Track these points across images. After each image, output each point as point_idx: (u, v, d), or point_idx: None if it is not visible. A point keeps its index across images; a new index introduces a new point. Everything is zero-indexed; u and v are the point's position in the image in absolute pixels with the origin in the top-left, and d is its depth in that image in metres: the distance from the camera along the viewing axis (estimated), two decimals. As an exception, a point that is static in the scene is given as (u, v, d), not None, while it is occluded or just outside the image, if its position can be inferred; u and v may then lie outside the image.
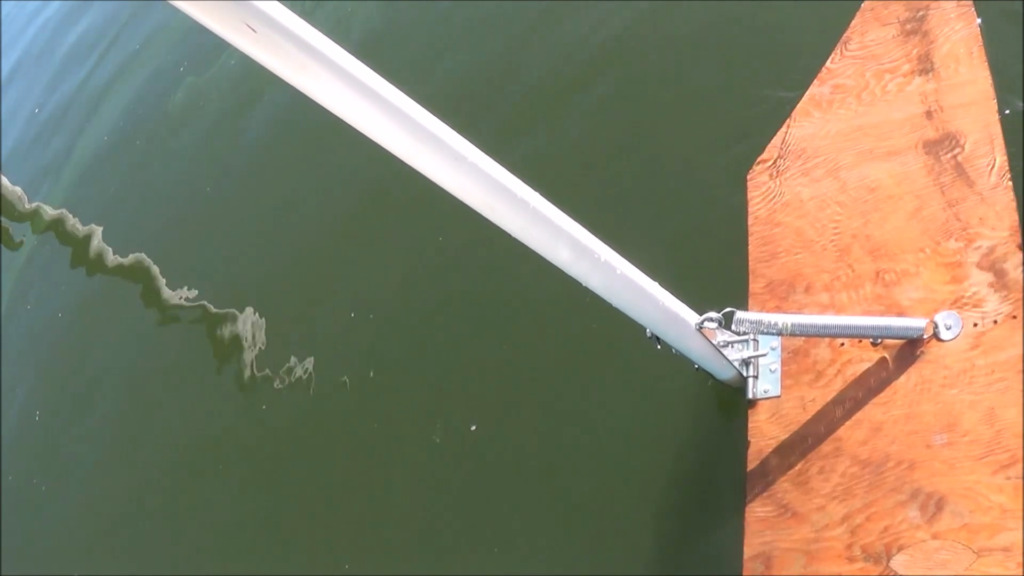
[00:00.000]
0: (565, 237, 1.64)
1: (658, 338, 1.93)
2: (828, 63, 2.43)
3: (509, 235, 1.61)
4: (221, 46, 4.81)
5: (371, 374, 3.10)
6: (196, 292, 3.93)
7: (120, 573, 3.25)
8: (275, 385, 3.28)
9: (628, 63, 3.33)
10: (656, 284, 1.85)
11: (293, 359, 3.31)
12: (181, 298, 3.97)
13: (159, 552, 3.23)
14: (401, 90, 1.36)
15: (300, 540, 2.87)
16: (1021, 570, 1.54)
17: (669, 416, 2.41)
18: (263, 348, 3.46)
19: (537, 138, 3.32)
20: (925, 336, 1.87)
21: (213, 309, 3.78)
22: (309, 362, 3.26)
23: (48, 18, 6.91)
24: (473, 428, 2.68)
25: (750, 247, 2.31)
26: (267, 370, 3.37)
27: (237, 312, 3.66)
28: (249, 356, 3.47)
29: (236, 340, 3.56)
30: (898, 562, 1.67)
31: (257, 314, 3.60)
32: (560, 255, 1.65)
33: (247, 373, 3.43)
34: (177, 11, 1.13)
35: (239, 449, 3.28)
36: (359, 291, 3.34)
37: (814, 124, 2.37)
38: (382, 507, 2.77)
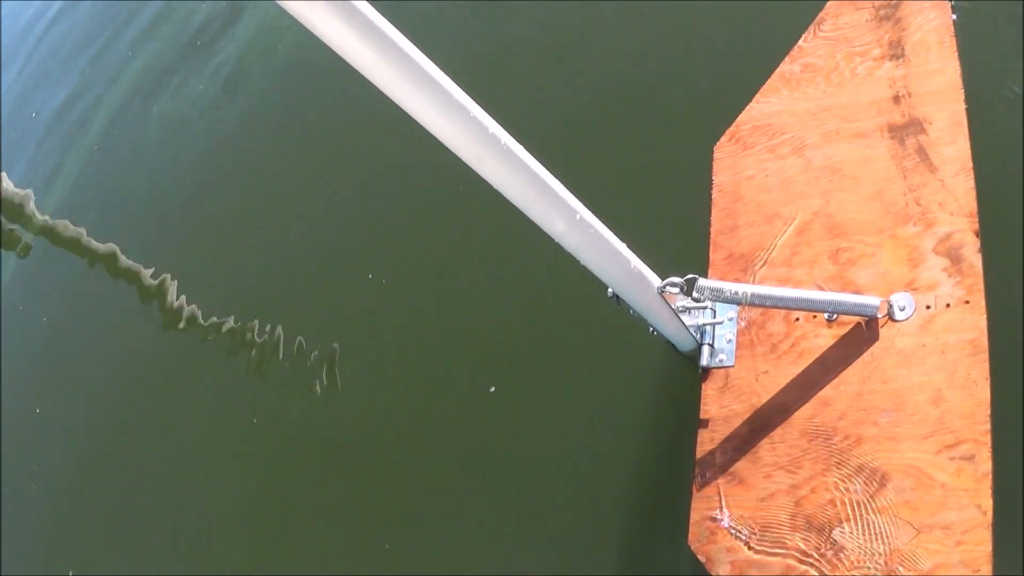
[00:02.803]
0: (547, 193, 1.63)
1: (619, 298, 1.94)
2: (800, 42, 2.43)
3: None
4: (209, 53, 4.80)
5: (393, 346, 3.08)
6: (192, 293, 3.87)
7: (121, 573, 3.17)
8: (284, 366, 3.23)
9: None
10: (625, 246, 1.85)
11: (308, 342, 3.27)
12: (178, 300, 3.90)
13: (159, 552, 3.16)
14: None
15: (333, 519, 2.83)
16: (958, 547, 1.59)
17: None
18: (271, 339, 3.39)
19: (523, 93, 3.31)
20: (879, 315, 1.91)
21: (211, 313, 3.70)
22: (331, 345, 3.22)
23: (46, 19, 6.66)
24: (492, 390, 2.68)
25: (712, 218, 2.32)
26: (275, 355, 3.31)
27: (234, 310, 3.62)
28: (256, 347, 3.40)
29: (239, 335, 3.50)
30: (840, 533, 1.71)
31: (258, 306, 3.56)
32: (540, 211, 1.65)
33: (252, 361, 3.37)
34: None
35: (242, 440, 3.22)
36: (377, 261, 3.30)
37: (782, 101, 2.38)
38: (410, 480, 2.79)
